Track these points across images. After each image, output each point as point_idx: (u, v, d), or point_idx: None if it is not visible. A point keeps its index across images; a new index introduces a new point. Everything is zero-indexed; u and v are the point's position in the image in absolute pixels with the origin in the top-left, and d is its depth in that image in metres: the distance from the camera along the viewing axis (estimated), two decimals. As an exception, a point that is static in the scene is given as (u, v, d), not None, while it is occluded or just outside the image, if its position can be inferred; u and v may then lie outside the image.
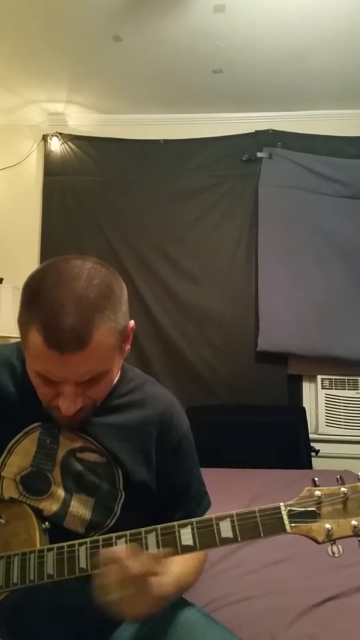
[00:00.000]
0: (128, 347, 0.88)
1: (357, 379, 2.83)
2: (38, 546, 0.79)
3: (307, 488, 0.70)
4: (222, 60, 2.58)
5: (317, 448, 2.76)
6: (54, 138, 3.12)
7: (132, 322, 0.86)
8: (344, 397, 2.83)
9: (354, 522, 0.66)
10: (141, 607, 0.70)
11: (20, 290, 0.79)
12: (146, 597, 0.70)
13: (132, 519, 0.87)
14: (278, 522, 0.69)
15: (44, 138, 3.15)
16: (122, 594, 0.68)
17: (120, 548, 0.71)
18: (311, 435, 2.72)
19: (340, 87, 2.78)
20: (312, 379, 2.93)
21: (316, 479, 0.70)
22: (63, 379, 0.77)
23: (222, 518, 0.71)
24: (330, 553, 0.67)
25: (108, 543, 0.74)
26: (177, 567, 0.81)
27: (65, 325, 0.71)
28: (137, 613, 0.70)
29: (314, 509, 0.68)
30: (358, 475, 0.68)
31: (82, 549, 0.75)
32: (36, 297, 0.74)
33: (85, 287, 0.74)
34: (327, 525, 0.67)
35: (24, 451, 0.89)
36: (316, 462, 2.70)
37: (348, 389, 2.84)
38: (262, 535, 0.68)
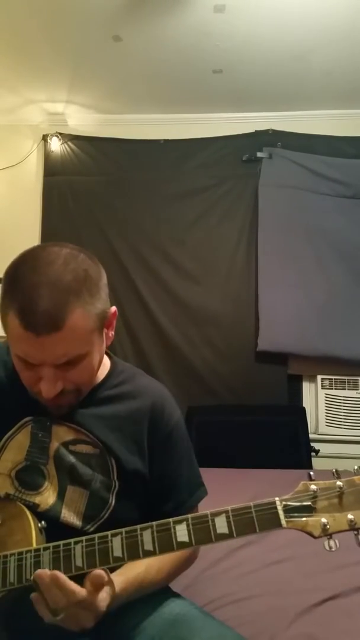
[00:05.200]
0: (112, 333, 0.89)
1: (357, 379, 2.82)
2: (34, 545, 0.79)
3: (303, 482, 0.69)
4: (222, 60, 2.58)
5: (317, 448, 2.75)
6: (54, 138, 3.12)
7: (113, 308, 0.87)
8: (344, 397, 2.82)
9: (350, 516, 0.65)
10: (87, 621, 0.72)
11: None
12: (92, 613, 0.71)
13: (127, 509, 0.88)
14: (274, 517, 0.68)
15: (44, 138, 3.16)
16: (66, 614, 0.70)
17: (55, 574, 0.70)
18: (311, 435, 2.71)
19: (340, 87, 2.78)
20: (312, 379, 2.93)
21: (312, 473, 0.69)
22: (40, 361, 0.78)
23: (218, 514, 0.71)
24: (327, 547, 0.66)
25: (104, 541, 0.74)
26: (138, 565, 0.83)
27: (39, 308, 0.73)
28: (82, 626, 0.72)
29: (309, 503, 0.68)
30: (354, 470, 0.68)
31: (78, 547, 0.75)
32: (14, 283, 0.76)
33: (61, 271, 0.76)
34: (323, 520, 0.66)
35: (17, 446, 0.89)
36: (316, 462, 2.70)
37: (348, 389, 2.83)
38: (257, 530, 0.68)
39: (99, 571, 0.71)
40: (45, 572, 0.71)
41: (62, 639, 0.85)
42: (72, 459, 0.88)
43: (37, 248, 0.81)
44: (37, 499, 0.86)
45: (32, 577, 0.72)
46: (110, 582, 0.75)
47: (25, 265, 0.78)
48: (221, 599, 1.21)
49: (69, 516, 0.86)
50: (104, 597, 0.72)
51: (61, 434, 0.89)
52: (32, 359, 0.78)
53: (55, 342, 0.75)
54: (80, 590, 0.70)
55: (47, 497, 0.87)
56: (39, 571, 0.71)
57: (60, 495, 0.87)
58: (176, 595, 0.94)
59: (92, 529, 0.86)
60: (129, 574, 0.81)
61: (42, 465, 0.88)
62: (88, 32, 2.38)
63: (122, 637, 0.85)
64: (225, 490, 1.52)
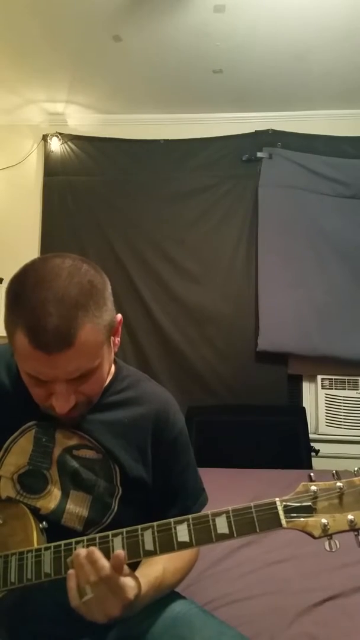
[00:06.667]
0: (118, 340, 0.88)
1: (357, 379, 2.82)
2: (35, 545, 0.79)
3: (303, 483, 0.69)
4: (222, 60, 2.58)
5: (317, 448, 2.75)
6: (54, 138, 3.13)
7: (119, 316, 0.86)
8: (344, 397, 2.83)
9: (350, 517, 0.65)
10: (113, 608, 0.70)
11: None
12: (118, 598, 0.70)
13: (129, 515, 0.87)
14: (274, 517, 0.68)
15: (44, 138, 3.16)
16: (94, 595, 0.69)
17: (91, 549, 0.72)
18: (311, 435, 2.71)
19: (340, 87, 2.78)
20: (312, 379, 2.93)
21: (312, 474, 0.69)
22: (53, 378, 0.77)
23: (218, 514, 0.71)
24: (328, 548, 0.66)
25: (105, 541, 0.74)
26: (157, 567, 0.82)
27: (49, 325, 0.71)
28: (109, 615, 0.70)
29: (309, 503, 0.68)
30: (354, 471, 0.68)
31: (79, 547, 0.75)
32: (18, 300, 0.75)
33: (66, 285, 0.74)
34: (323, 520, 0.66)
35: (20, 450, 0.89)
36: (316, 462, 2.70)
37: (348, 389, 2.83)
38: (258, 530, 0.68)
39: (117, 551, 0.71)
40: (82, 549, 0.72)
41: (63, 637, 0.85)
42: (75, 464, 0.88)
43: (38, 261, 0.79)
44: (38, 503, 0.86)
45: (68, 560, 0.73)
46: (135, 576, 0.74)
47: (28, 280, 0.75)
48: (221, 599, 1.21)
49: (70, 520, 0.86)
50: (132, 585, 0.72)
51: (65, 439, 0.89)
52: (43, 376, 0.77)
53: (67, 359, 0.74)
54: (109, 566, 0.70)
55: (48, 501, 0.87)
56: (77, 550, 0.72)
57: (63, 500, 0.87)
58: (176, 594, 0.94)
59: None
60: (150, 577, 0.80)
61: (44, 469, 0.88)
62: (88, 32, 2.38)
63: (123, 637, 0.85)
64: (225, 490, 1.52)
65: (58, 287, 0.73)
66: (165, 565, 0.84)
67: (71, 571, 0.72)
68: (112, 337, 0.85)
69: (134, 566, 0.80)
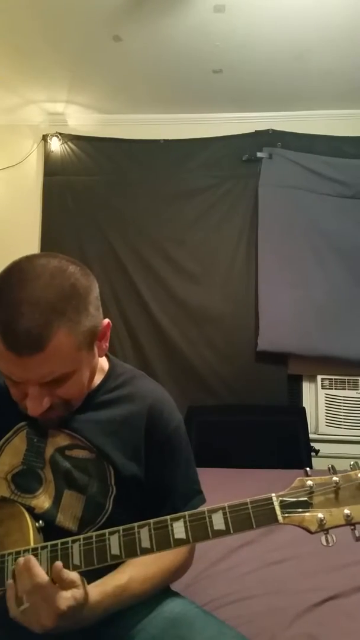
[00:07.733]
0: (106, 345, 0.87)
1: (357, 379, 2.82)
2: (32, 545, 0.79)
3: (299, 478, 0.69)
4: (222, 60, 2.58)
5: (317, 448, 2.74)
6: (54, 138, 3.13)
7: (106, 321, 0.85)
8: (344, 397, 2.82)
9: (346, 511, 0.65)
10: (47, 618, 0.69)
11: None
12: (51, 608, 0.69)
13: (124, 515, 0.87)
14: (270, 512, 0.68)
15: (44, 138, 3.16)
16: (30, 604, 0.69)
17: (28, 557, 0.72)
18: (311, 435, 2.71)
19: (340, 87, 2.78)
20: (312, 379, 2.92)
21: (308, 469, 0.69)
22: (24, 380, 0.76)
23: (215, 510, 0.71)
24: (324, 542, 0.65)
25: (101, 539, 0.74)
26: (121, 576, 0.81)
27: (20, 328, 0.70)
28: (43, 624, 0.69)
29: (306, 498, 0.67)
30: (350, 465, 0.68)
31: (76, 546, 0.75)
32: None
33: (45, 287, 0.73)
34: (320, 515, 0.66)
35: (14, 450, 0.88)
36: (316, 462, 2.69)
37: (348, 389, 2.83)
38: (254, 526, 0.67)
39: (57, 562, 0.71)
40: (22, 558, 0.72)
41: (58, 636, 0.85)
42: (67, 464, 0.87)
43: (24, 260, 0.77)
44: (33, 502, 0.86)
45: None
46: (79, 587, 0.72)
47: (11, 278, 0.74)
48: (221, 599, 1.20)
49: (65, 520, 0.86)
50: (67, 597, 0.70)
51: (56, 439, 0.88)
52: (15, 377, 0.76)
53: (38, 363, 0.73)
54: (43, 575, 0.70)
55: (42, 500, 0.86)
56: (19, 559, 0.72)
57: (56, 500, 0.86)
58: (176, 594, 0.93)
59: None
60: (108, 586, 0.79)
61: (38, 469, 0.88)
62: (88, 32, 2.38)
63: (122, 637, 0.85)
64: (225, 490, 1.51)
65: (36, 289, 0.72)
66: (132, 575, 0.82)
67: (10, 581, 0.72)
68: (97, 342, 0.84)
69: (98, 574, 0.79)
